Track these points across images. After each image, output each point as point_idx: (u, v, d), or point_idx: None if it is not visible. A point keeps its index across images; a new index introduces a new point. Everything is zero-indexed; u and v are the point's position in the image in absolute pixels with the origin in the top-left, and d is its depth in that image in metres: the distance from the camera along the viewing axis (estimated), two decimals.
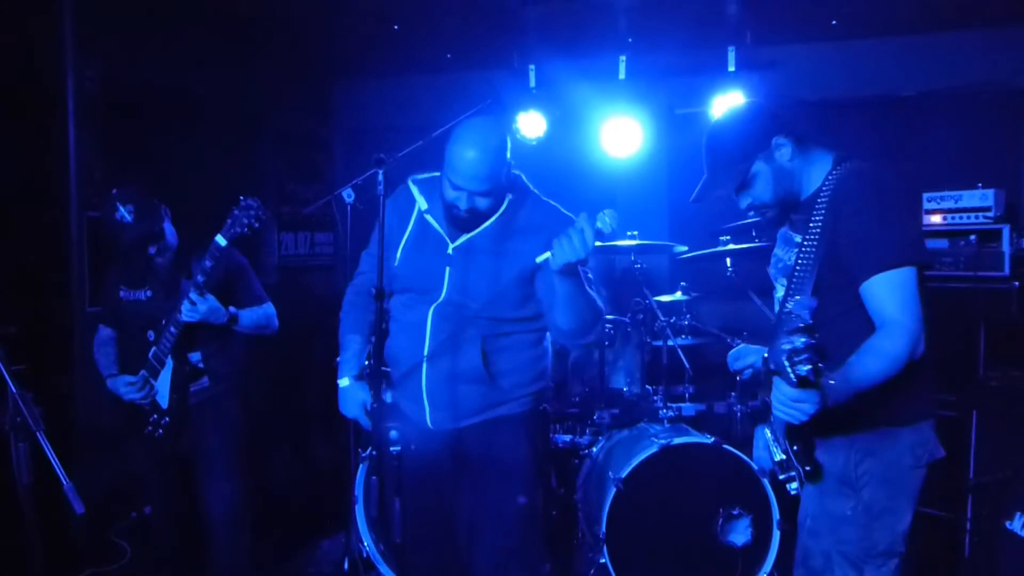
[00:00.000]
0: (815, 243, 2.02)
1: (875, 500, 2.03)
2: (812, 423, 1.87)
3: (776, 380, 1.84)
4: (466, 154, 2.18)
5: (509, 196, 2.33)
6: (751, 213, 2.24)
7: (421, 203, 2.39)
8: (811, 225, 2.05)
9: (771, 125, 2.12)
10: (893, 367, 1.89)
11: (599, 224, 1.96)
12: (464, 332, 2.31)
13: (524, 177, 2.44)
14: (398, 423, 2.40)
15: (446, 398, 2.35)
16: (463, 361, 2.31)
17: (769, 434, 2.15)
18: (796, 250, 2.10)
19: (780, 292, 2.22)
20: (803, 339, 1.70)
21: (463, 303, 2.31)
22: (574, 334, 2.26)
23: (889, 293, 1.93)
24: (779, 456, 2.11)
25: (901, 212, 2.01)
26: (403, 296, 2.43)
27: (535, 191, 2.44)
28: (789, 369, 1.73)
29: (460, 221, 2.29)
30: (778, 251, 2.28)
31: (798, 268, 2.06)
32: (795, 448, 2.02)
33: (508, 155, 2.26)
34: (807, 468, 2.01)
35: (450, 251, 2.33)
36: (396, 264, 2.40)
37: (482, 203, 2.26)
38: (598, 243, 1.99)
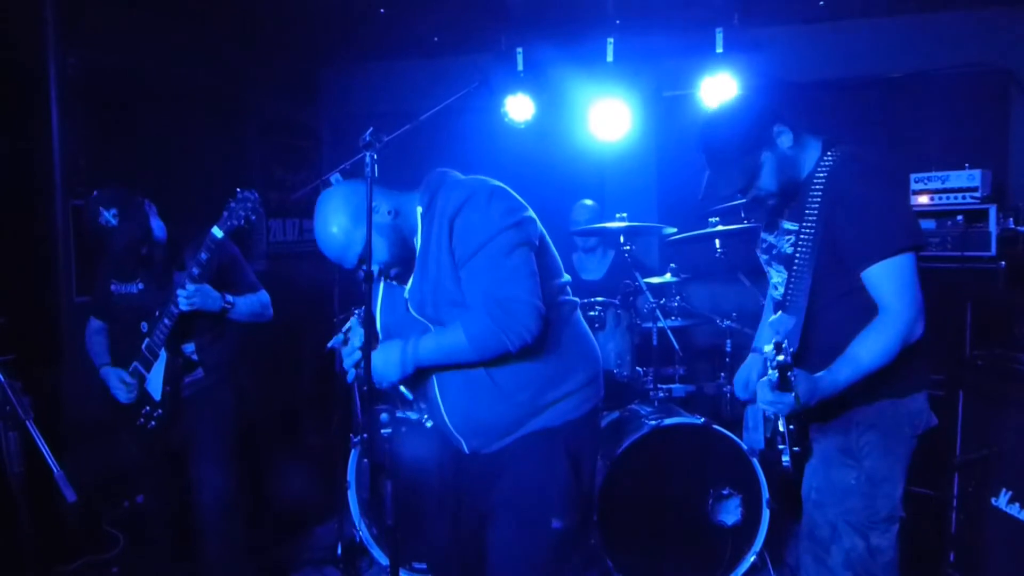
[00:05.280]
0: (812, 230, 2.09)
1: (876, 469, 2.13)
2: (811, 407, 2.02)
3: (761, 383, 1.99)
4: (324, 248, 2.16)
5: (420, 209, 2.20)
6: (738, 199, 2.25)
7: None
8: (807, 212, 2.10)
9: (769, 114, 2.13)
10: (890, 354, 2.00)
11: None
12: None
13: (447, 171, 2.29)
14: (438, 445, 2.39)
15: (472, 426, 2.24)
16: (470, 383, 2.19)
17: (764, 413, 2.27)
18: (794, 237, 2.16)
19: (775, 278, 2.30)
20: (777, 356, 1.86)
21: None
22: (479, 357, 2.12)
23: (888, 281, 2.01)
24: (769, 433, 2.26)
25: (896, 198, 2.10)
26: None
27: (444, 179, 2.25)
28: (770, 374, 1.91)
29: (399, 279, 2.26)
30: (767, 236, 2.32)
31: (798, 256, 2.13)
32: (791, 427, 2.11)
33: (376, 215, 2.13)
34: (796, 449, 2.11)
35: (406, 295, 2.25)
36: (382, 324, 2.34)
37: (393, 271, 2.22)
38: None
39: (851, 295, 2.09)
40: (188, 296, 2.81)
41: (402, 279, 2.25)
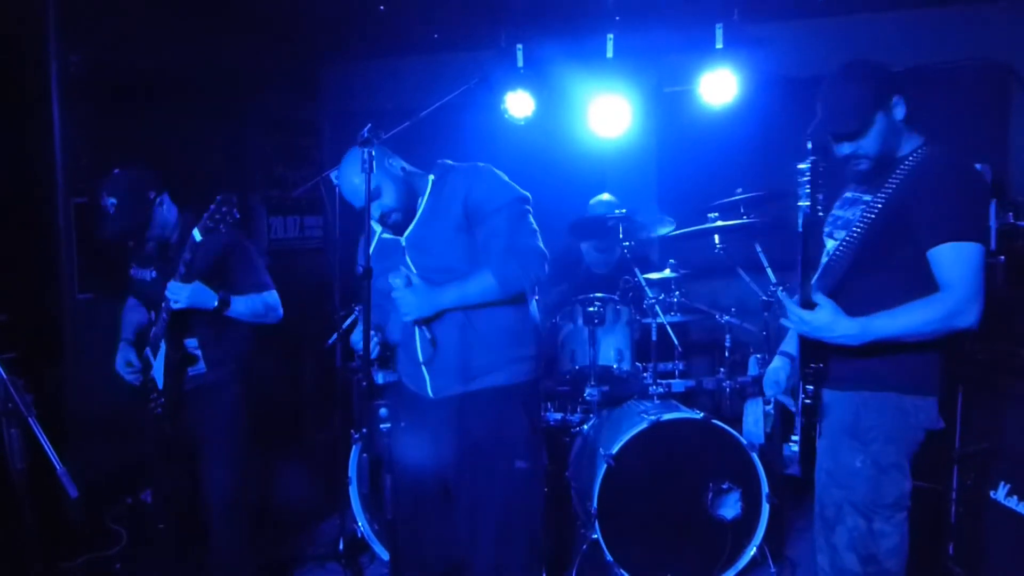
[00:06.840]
0: (884, 199, 2.19)
1: (883, 454, 2.22)
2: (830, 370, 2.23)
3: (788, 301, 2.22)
4: (346, 188, 2.55)
5: (432, 177, 2.63)
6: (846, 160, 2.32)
7: (377, 228, 2.67)
8: (886, 186, 2.20)
9: (894, 84, 2.26)
10: (930, 324, 2.11)
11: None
12: None
13: (449, 161, 2.69)
14: (398, 400, 2.49)
15: (443, 363, 2.58)
16: (449, 325, 2.57)
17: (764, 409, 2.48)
18: (865, 207, 2.25)
19: (830, 245, 2.40)
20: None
21: (431, 279, 2.56)
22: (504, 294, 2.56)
23: (956, 263, 2.10)
24: (769, 428, 2.54)
25: (984, 200, 2.22)
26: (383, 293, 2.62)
27: (453, 164, 2.69)
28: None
29: (395, 227, 2.60)
30: (836, 211, 2.44)
31: (860, 222, 2.23)
32: (808, 387, 2.26)
33: (390, 166, 2.55)
34: (810, 386, 2.26)
35: (403, 243, 2.62)
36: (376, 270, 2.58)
37: (393, 216, 2.56)
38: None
39: (896, 270, 2.17)
40: (173, 294, 2.85)
41: (398, 230, 2.60)
